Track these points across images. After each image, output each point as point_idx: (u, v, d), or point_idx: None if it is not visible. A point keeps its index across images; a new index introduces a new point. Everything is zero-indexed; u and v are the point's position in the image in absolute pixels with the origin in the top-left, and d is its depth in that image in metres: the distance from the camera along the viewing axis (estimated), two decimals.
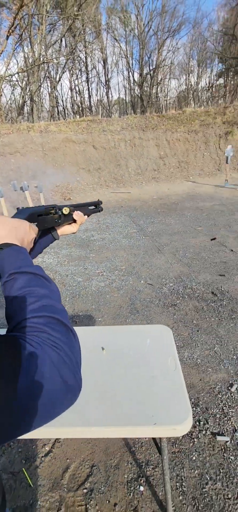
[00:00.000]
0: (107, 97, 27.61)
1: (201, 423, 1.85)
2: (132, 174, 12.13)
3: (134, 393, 1.25)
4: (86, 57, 25.05)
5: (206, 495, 1.47)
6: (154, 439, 1.66)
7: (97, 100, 27.75)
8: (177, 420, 1.12)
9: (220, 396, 2.02)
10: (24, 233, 0.61)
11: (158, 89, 27.92)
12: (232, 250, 4.48)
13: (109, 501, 1.47)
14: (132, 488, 1.52)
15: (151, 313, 3.03)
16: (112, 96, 31.23)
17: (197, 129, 13.63)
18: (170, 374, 1.38)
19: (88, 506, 1.45)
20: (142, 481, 1.56)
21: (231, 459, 1.62)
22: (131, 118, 14.89)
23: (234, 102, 15.81)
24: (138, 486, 1.53)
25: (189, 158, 12.98)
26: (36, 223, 0.71)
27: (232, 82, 26.34)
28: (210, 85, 29.01)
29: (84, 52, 24.45)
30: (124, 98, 31.51)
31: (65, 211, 0.82)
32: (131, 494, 1.50)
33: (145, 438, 1.76)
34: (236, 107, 13.99)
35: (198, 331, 2.71)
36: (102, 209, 1.10)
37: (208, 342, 2.56)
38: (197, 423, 1.85)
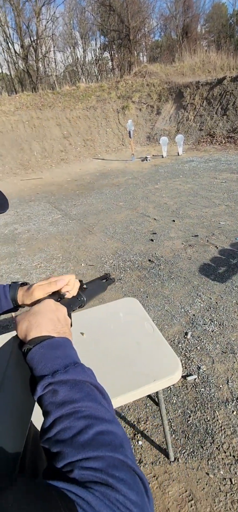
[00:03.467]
0: None
1: None
2: (38, 157, 11.56)
3: (125, 361, 1.41)
4: None
5: (191, 425, 1.80)
6: (149, 396, 1.87)
7: None
8: (170, 370, 1.35)
9: (180, 345, 2.40)
10: (64, 320, 0.55)
11: (45, 62, 26.70)
12: (155, 219, 5.02)
13: None
14: (132, 447, 1.72)
15: None
16: None
17: (94, 105, 13.89)
18: (150, 336, 1.59)
19: None
20: (138, 437, 1.77)
21: (202, 391, 2.01)
22: (23, 96, 13.91)
23: (124, 76, 16.68)
24: (136, 442, 1.74)
25: (93, 135, 13.23)
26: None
27: (116, 56, 27.50)
28: (97, 58, 29.57)
29: None
30: (8, 73, 28.84)
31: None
32: (133, 451, 1.69)
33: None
34: (127, 81, 14.85)
35: (147, 297, 3.05)
36: (114, 280, 1.03)
37: (158, 304, 2.92)
38: None
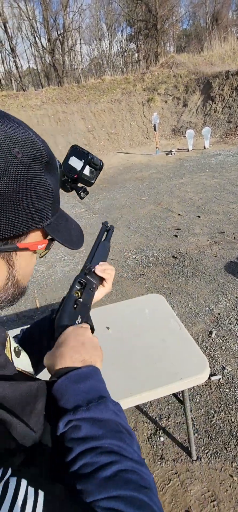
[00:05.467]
0: (17, 67, 25.35)
1: None
2: (63, 151, 11.74)
3: (151, 358, 1.42)
4: None
5: (215, 425, 1.78)
6: (174, 394, 1.88)
7: (5, 71, 25.24)
8: (198, 370, 1.34)
9: (204, 344, 2.37)
10: (89, 342, 0.51)
11: (71, 56, 26.95)
12: (179, 214, 4.95)
13: None
14: (153, 442, 1.73)
15: (123, 287, 3.22)
16: (21, 66, 28.75)
17: (119, 98, 13.85)
18: (177, 333, 1.59)
19: None
20: (160, 433, 1.78)
21: (226, 391, 1.97)
22: (49, 90, 14.17)
23: (150, 67, 16.46)
24: (158, 438, 1.75)
25: (117, 129, 13.22)
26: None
27: (142, 47, 27.10)
28: (123, 50, 29.37)
29: None
30: (35, 68, 29.48)
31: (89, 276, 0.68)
32: (154, 446, 1.71)
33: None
34: (153, 73, 14.64)
35: (170, 293, 3.03)
36: (113, 227, 0.95)
37: (181, 301, 2.89)
38: None
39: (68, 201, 6.75)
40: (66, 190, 0.64)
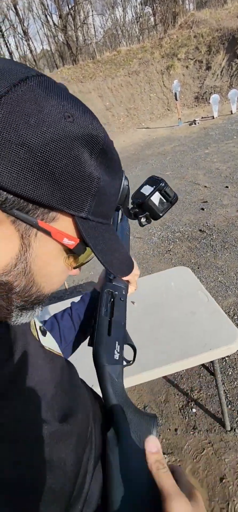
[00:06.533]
0: (31, 51, 25.42)
1: None
2: None
3: (179, 330, 1.44)
4: None
5: None
6: (204, 366, 1.91)
7: (20, 56, 25.41)
8: (228, 340, 1.34)
9: (236, 317, 2.34)
10: None
11: (84, 30, 26.39)
12: (205, 186, 4.81)
13: (169, 429, 1.72)
14: (186, 413, 1.78)
15: (149, 264, 3.24)
16: (35, 49, 28.76)
17: (137, 69, 13.43)
18: (205, 305, 1.59)
19: None
20: (192, 404, 1.82)
21: None
22: (65, 70, 14.10)
23: (168, 31, 15.67)
24: (190, 410, 1.80)
25: (136, 103, 12.91)
26: None
27: (159, 9, 25.76)
28: (138, 16, 28.15)
29: None
30: (49, 49, 29.33)
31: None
32: (187, 417, 1.76)
33: (183, 371, 2.02)
34: (171, 36, 13.94)
35: (198, 268, 3.00)
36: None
37: (210, 275, 2.86)
38: None
39: None
40: (129, 217, 0.58)
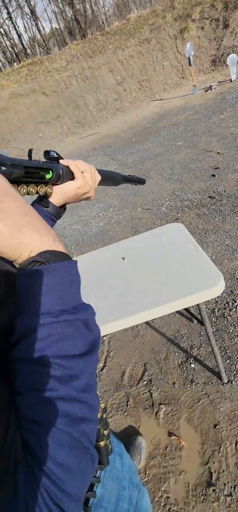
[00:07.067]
0: (39, 31, 25.21)
1: (230, 303, 2.18)
2: (94, 112, 11.70)
3: (164, 280, 1.47)
4: None
5: None
6: (195, 317, 1.96)
7: (29, 38, 25.33)
8: (211, 284, 1.37)
9: None
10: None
11: (92, 2, 25.63)
12: (218, 153, 4.68)
13: (168, 383, 1.80)
14: (184, 368, 1.86)
15: None
16: (44, 29, 28.50)
17: (148, 36, 12.92)
18: (193, 256, 1.61)
19: (151, 391, 1.78)
20: (191, 360, 1.89)
21: None
22: (73, 46, 13.90)
23: None
24: (189, 365, 1.87)
25: (149, 74, 12.53)
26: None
27: None
28: None
29: None
30: (58, 27, 28.93)
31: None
32: (185, 372, 1.83)
33: (184, 330, 2.08)
34: None
35: (205, 233, 2.99)
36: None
37: (217, 239, 2.85)
38: (226, 304, 2.18)
39: (101, 161, 6.83)
40: None
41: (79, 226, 4.08)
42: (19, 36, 24.37)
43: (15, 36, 24.69)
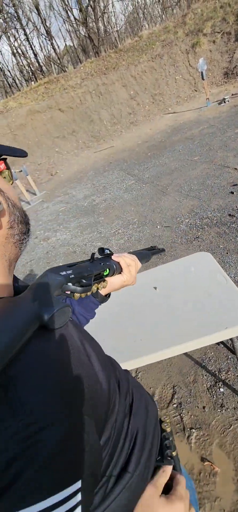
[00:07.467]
0: (54, 49, 26.02)
1: None
2: (108, 126, 11.95)
3: (197, 311, 1.52)
4: (16, 11, 23.21)
5: None
6: (225, 345, 1.99)
7: (45, 56, 26.16)
8: None
9: None
10: None
11: (105, 20, 26.29)
12: (235, 169, 4.71)
13: (198, 407, 1.83)
14: (213, 392, 1.89)
15: (177, 252, 3.33)
16: (58, 47, 29.41)
17: (160, 52, 13.16)
18: (223, 287, 1.66)
19: (181, 415, 1.82)
20: (220, 384, 1.92)
21: None
22: (87, 64, 14.29)
23: (191, 5, 15.06)
24: (218, 389, 1.90)
25: (162, 88, 12.72)
26: None
27: None
28: None
29: (11, 5, 22.61)
30: (72, 44, 29.77)
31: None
32: (214, 396, 1.86)
33: (211, 353, 2.11)
34: (196, 11, 13.39)
35: (227, 253, 3.02)
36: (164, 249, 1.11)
37: None
38: None
39: (118, 176, 6.97)
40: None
41: (100, 243, 4.18)
42: (35, 55, 25.24)
43: (32, 55, 25.58)
